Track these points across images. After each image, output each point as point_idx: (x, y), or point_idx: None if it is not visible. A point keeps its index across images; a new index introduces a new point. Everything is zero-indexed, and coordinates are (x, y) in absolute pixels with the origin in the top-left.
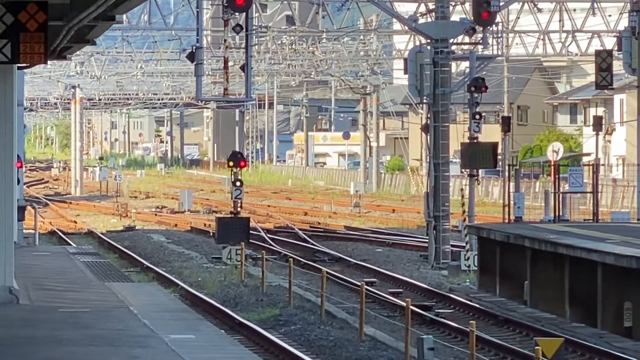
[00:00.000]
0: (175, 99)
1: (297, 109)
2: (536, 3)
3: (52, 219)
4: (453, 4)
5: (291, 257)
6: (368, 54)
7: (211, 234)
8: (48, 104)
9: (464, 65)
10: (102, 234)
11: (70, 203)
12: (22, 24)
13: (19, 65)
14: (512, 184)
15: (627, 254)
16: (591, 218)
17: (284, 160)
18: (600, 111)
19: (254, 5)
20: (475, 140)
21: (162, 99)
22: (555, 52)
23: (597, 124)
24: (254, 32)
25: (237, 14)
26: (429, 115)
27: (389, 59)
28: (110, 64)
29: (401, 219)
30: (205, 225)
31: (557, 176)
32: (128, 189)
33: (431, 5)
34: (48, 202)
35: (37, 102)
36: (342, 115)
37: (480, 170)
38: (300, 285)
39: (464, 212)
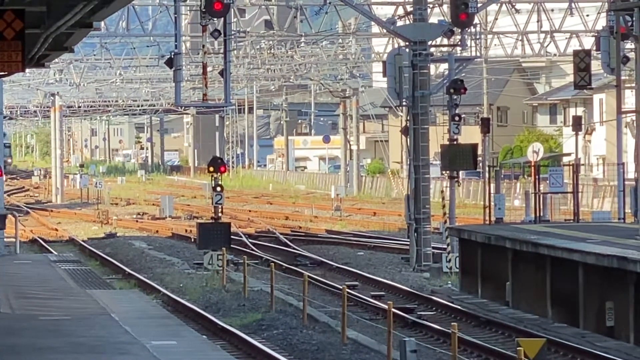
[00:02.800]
0: (154, 105)
1: (276, 114)
2: (514, 4)
3: (33, 227)
4: (431, 6)
5: (273, 261)
6: (347, 57)
7: (192, 240)
8: (28, 112)
9: (443, 67)
10: (83, 241)
11: (51, 211)
12: None
13: None
14: (492, 185)
15: (608, 253)
16: (572, 218)
17: (265, 165)
18: (579, 111)
19: (232, 10)
20: (455, 142)
21: (142, 106)
22: (534, 52)
23: (577, 124)
24: (233, 37)
25: (215, 19)
26: (408, 118)
27: (367, 62)
28: (89, 71)
29: (382, 222)
30: (186, 231)
31: (537, 177)
32: (109, 196)
33: (409, 8)
34: (29, 210)
35: (16, 111)
36: (322, 119)
37: (460, 172)
38: (282, 289)
39: (444, 214)
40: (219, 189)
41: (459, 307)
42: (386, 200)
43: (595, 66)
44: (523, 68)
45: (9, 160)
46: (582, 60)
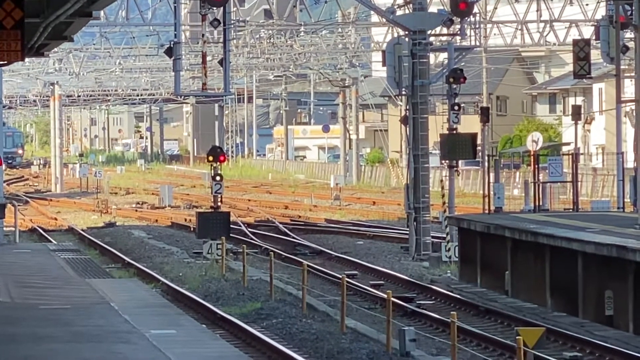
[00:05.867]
0: (154, 95)
1: (276, 103)
2: None
3: (32, 216)
4: None
5: (272, 250)
6: (346, 46)
7: (192, 229)
8: (27, 101)
9: (443, 56)
10: (82, 230)
11: (51, 200)
12: None
13: None
14: (491, 175)
15: (607, 242)
16: (571, 207)
17: (264, 154)
18: (579, 100)
19: (231, 0)
20: (454, 131)
21: (141, 95)
22: (534, 42)
23: (576, 113)
24: (232, 26)
25: (214, 8)
26: (408, 107)
27: (367, 52)
28: (89, 61)
29: (382, 211)
30: (185, 220)
31: (536, 166)
32: (108, 185)
33: None
34: (28, 199)
35: (16, 100)
36: (321, 108)
37: (460, 161)
38: (281, 278)
39: (444, 203)
40: (218, 178)
41: (458, 296)
42: (385, 190)
43: (595, 55)
44: (522, 57)
45: (20, 152)
46: (581, 49)
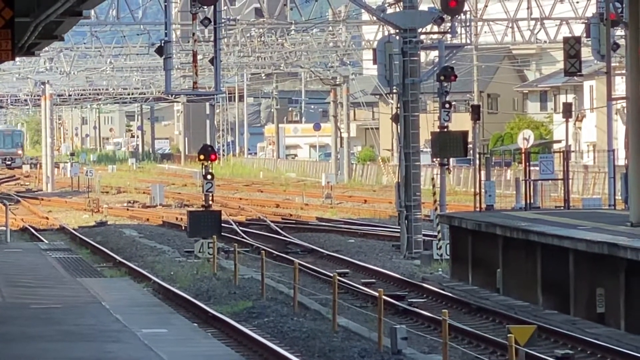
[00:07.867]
0: (145, 94)
1: (267, 101)
2: None
3: (23, 215)
4: None
5: (263, 249)
6: (337, 45)
7: (183, 228)
8: (18, 100)
9: (433, 54)
10: (74, 229)
11: (42, 199)
12: None
13: None
14: (483, 173)
15: (598, 240)
16: (562, 205)
17: (255, 153)
18: (570, 98)
19: None
20: (445, 129)
21: (132, 94)
22: (524, 39)
23: (567, 110)
24: (223, 25)
25: (205, 7)
26: (398, 105)
27: (358, 50)
28: (80, 60)
29: (373, 210)
30: (177, 219)
31: (528, 164)
32: (99, 184)
33: None
34: (19, 198)
35: (6, 99)
36: (312, 106)
37: (451, 159)
38: (272, 277)
39: (435, 201)
40: (209, 176)
41: (450, 294)
42: (377, 188)
43: (586, 53)
44: (513, 55)
45: (19, 152)
46: (572, 47)
